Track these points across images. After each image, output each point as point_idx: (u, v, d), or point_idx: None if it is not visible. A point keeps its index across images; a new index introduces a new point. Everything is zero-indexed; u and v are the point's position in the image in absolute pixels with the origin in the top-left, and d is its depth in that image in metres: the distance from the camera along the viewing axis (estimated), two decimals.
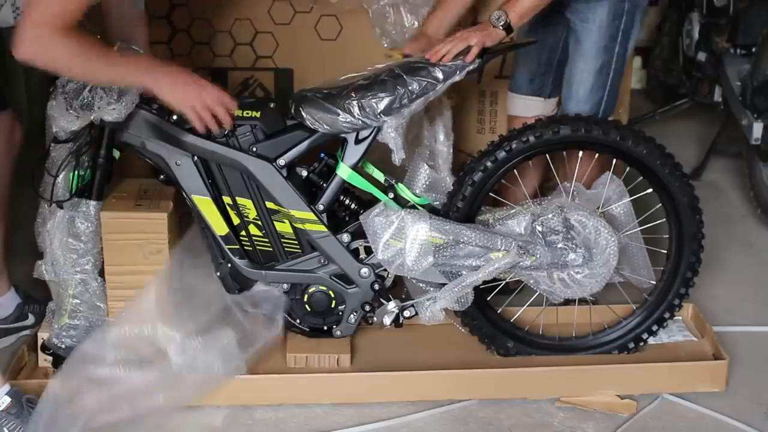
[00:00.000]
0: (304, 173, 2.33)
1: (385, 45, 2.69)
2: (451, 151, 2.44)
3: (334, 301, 2.37)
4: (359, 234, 2.31)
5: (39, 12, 1.97)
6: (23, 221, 2.88)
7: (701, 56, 3.72)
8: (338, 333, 2.40)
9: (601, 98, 2.47)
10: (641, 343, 2.48)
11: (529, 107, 2.64)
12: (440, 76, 2.23)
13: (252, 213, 2.31)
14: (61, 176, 2.21)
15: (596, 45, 2.42)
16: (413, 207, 2.35)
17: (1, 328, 2.59)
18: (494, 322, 2.44)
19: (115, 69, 2.09)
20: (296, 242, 2.35)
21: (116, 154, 2.29)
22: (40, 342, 2.35)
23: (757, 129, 3.26)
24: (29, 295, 2.62)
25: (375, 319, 2.37)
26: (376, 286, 2.34)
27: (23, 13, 2.05)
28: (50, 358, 2.34)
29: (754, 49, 3.39)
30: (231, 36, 2.76)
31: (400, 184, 2.37)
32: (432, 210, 2.36)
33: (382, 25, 2.68)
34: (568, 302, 2.46)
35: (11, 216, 2.61)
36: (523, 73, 2.64)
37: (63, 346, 2.31)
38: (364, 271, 2.33)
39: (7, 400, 2.15)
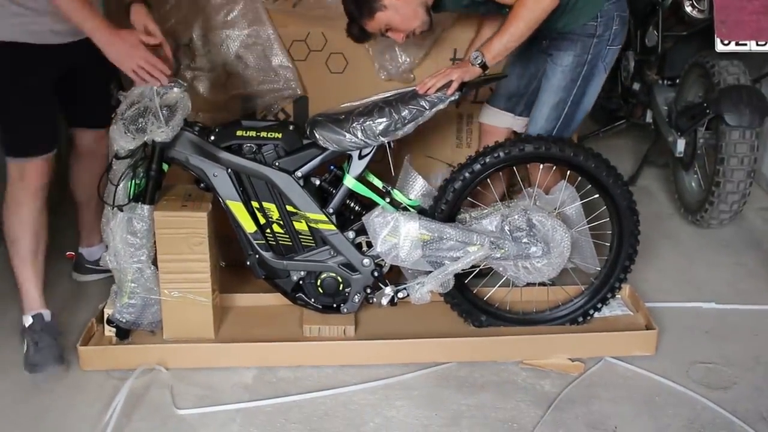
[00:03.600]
0: (317, 182, 2.29)
1: (383, 77, 2.65)
2: None
3: (341, 285, 2.34)
4: (362, 231, 2.28)
5: None
6: None
7: (636, 86, 3.69)
8: (345, 310, 2.37)
9: (554, 127, 2.38)
10: (588, 317, 2.45)
11: (500, 120, 2.56)
12: (427, 105, 2.19)
13: (275, 214, 2.28)
14: (121, 185, 2.18)
15: (558, 83, 2.34)
16: (406, 209, 2.31)
17: (88, 267, 2.69)
18: (470, 300, 2.41)
19: (86, 19, 2.01)
20: (311, 238, 2.31)
21: (165, 167, 2.25)
22: (105, 317, 2.31)
23: (680, 144, 3.22)
24: None
25: (375, 299, 2.34)
26: (376, 273, 2.31)
27: None
28: (114, 330, 2.30)
29: (677, 81, 3.36)
30: None
31: (395, 189, 2.33)
32: (421, 211, 2.32)
33: (380, 61, 2.66)
34: (529, 284, 2.41)
35: (71, 216, 2.59)
36: (504, 92, 2.54)
37: (123, 320, 2.29)
38: (366, 261, 2.30)
39: (30, 320, 2.25)
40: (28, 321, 2.29)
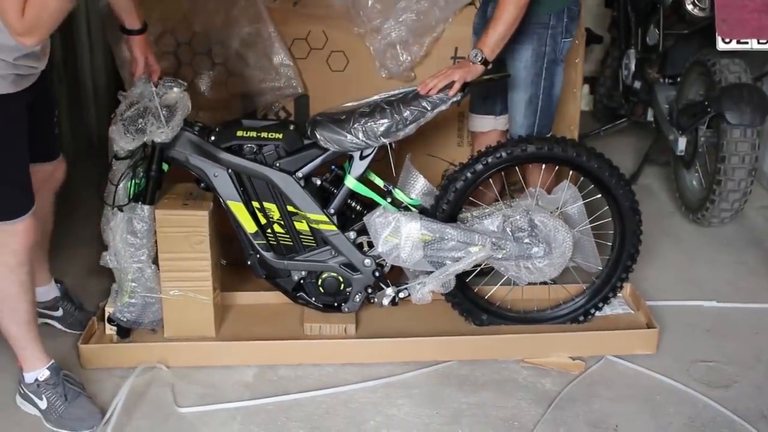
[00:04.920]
0: (318, 182, 2.26)
1: (384, 76, 2.62)
2: None
3: (342, 285, 2.32)
4: (363, 231, 2.25)
5: None
6: (84, 219, 2.84)
7: (637, 84, 3.66)
8: (346, 309, 2.35)
9: (534, 122, 2.36)
10: (590, 316, 2.43)
11: (484, 124, 2.55)
12: (428, 106, 2.16)
13: (276, 215, 2.25)
14: (121, 185, 2.15)
15: (524, 80, 2.32)
16: (407, 208, 2.28)
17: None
18: (471, 299, 2.39)
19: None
20: (312, 238, 2.29)
21: (165, 166, 2.22)
22: (106, 315, 2.29)
23: (681, 142, 3.20)
24: (68, 294, 2.41)
25: (376, 299, 2.31)
26: (377, 274, 2.29)
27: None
28: (114, 328, 2.29)
29: (678, 79, 3.33)
30: None
31: (396, 189, 2.30)
32: (422, 210, 2.29)
33: (381, 59, 2.62)
34: (531, 283, 2.38)
35: (73, 216, 2.53)
36: (477, 97, 2.52)
37: (124, 319, 2.27)
38: (367, 261, 2.27)
39: (47, 373, 2.04)
40: (42, 375, 2.04)
